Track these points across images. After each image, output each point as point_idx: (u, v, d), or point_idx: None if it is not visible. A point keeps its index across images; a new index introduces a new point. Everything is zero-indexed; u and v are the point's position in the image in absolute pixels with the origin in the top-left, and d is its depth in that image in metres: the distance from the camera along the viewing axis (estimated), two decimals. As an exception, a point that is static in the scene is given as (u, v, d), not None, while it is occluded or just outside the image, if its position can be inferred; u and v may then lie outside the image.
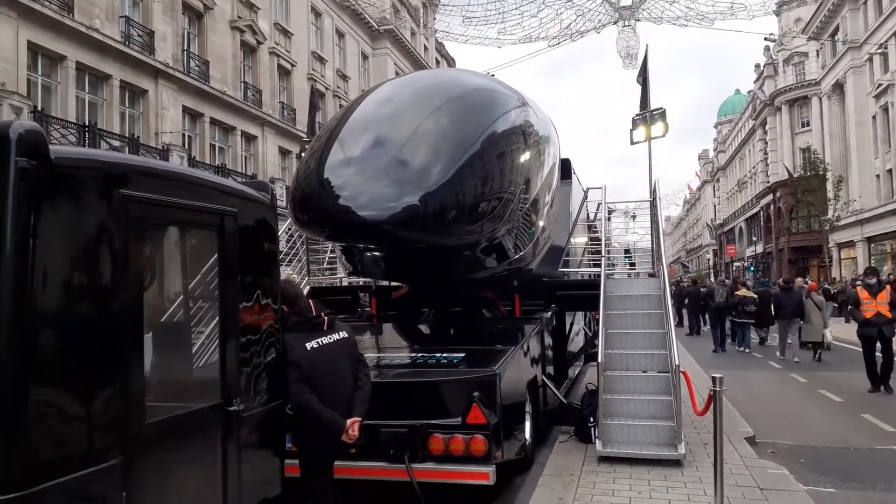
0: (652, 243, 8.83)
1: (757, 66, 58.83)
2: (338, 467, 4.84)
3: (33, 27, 16.68)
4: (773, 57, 53.11)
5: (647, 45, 9.74)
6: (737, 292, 17.36)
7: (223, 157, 25.57)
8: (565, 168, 10.79)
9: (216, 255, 3.04)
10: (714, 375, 4.13)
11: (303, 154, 15.53)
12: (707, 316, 20.23)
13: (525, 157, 6.46)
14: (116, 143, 19.15)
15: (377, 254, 6.15)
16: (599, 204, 9.61)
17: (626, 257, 12.89)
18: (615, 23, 16.44)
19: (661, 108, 9.45)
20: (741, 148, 66.03)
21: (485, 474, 4.64)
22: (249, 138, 26.98)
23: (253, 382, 3.22)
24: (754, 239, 59.30)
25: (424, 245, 5.39)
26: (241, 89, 26.18)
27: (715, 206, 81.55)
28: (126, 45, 19.86)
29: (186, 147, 22.77)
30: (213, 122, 24.63)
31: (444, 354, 5.67)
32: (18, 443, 2.04)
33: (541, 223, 7.61)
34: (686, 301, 22.93)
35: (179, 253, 3.21)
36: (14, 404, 2.03)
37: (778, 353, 14.85)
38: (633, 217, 11.10)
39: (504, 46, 17.00)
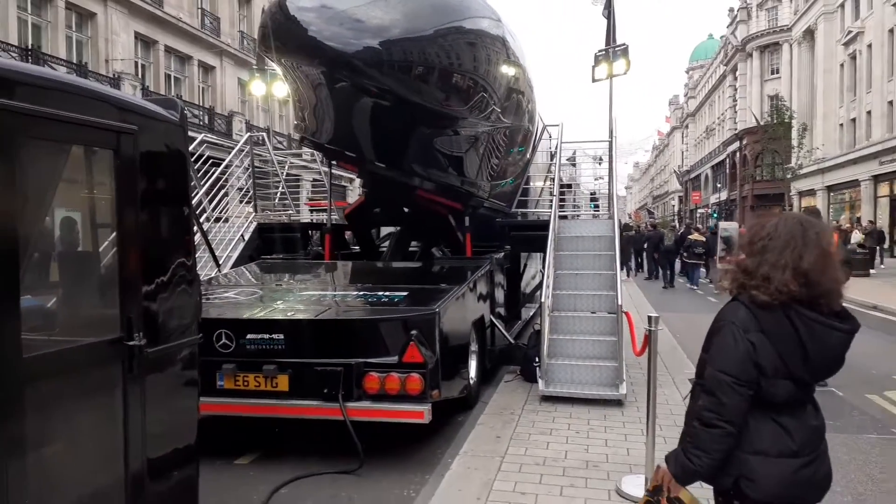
0: (609, 186, 8.72)
1: (731, 10, 58.15)
2: (270, 406, 4.75)
3: (-34, -61, 15.51)
4: (747, 1, 52.50)
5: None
6: (689, 236, 19.46)
7: (179, 88, 24.55)
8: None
9: (112, 178, 2.79)
10: (650, 315, 4.06)
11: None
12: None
13: (497, 65, 6.59)
14: (63, 69, 18.20)
15: (333, 101, 5.96)
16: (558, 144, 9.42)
17: (591, 203, 12.85)
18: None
19: (623, 45, 9.20)
20: (711, 94, 65.91)
21: (419, 413, 4.57)
22: (207, 69, 25.91)
23: (160, 317, 3.02)
24: (718, 186, 59.94)
25: (385, 89, 5.60)
26: (198, 16, 24.96)
27: (683, 153, 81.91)
28: (71, -36, 18.64)
29: (140, 76, 21.78)
30: (168, 50, 23.53)
31: (386, 293, 5.54)
32: None
33: (500, 149, 7.51)
34: (646, 246, 23.23)
35: (61, 173, 2.93)
36: None
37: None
38: (600, 161, 11.01)
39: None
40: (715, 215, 54.57)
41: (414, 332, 4.71)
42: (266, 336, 4.73)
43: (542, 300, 6.27)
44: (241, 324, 4.81)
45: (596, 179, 12.41)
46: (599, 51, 9.41)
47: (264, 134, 14.74)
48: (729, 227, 19.15)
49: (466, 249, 7.76)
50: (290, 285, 6.47)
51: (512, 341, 7.35)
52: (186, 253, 3.26)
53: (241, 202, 8.82)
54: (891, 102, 29.64)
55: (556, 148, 8.30)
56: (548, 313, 6.40)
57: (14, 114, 2.25)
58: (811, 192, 38.62)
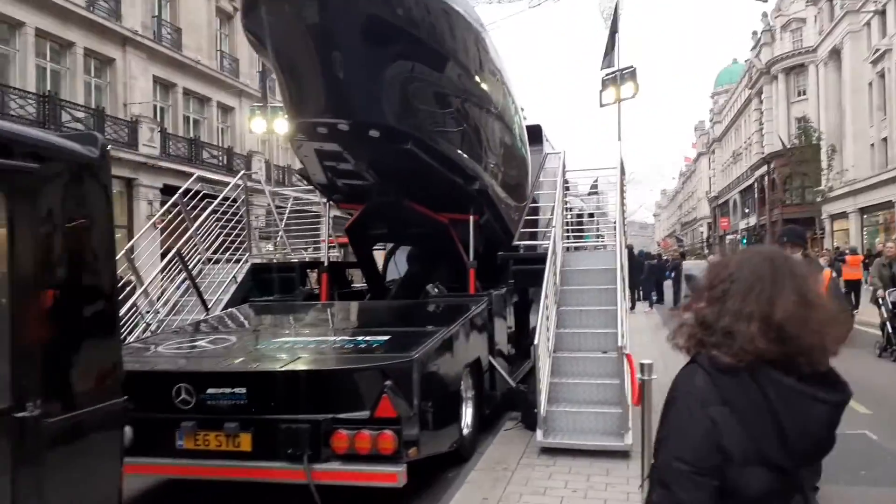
0: (620, 213, 8.27)
1: (754, 33, 57.62)
2: (232, 468, 4.35)
3: (-15, -9, 15.87)
4: (771, 23, 51.98)
5: (616, 1, 9.09)
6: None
7: (198, 129, 24.81)
8: (536, 134, 10.22)
9: (5, 222, 2.47)
10: (643, 362, 3.60)
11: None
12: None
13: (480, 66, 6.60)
14: (81, 115, 18.45)
15: (321, 55, 5.62)
16: (567, 172, 9.03)
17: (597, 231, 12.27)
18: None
19: (631, 67, 8.84)
20: (737, 118, 65.05)
21: (392, 475, 4.12)
22: (226, 109, 26.18)
23: (65, 381, 2.67)
24: (747, 211, 58.74)
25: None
26: (217, 58, 25.31)
27: (710, 179, 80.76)
28: (90, 11, 18.99)
29: (158, 119, 22.02)
30: (187, 92, 23.82)
31: (367, 338, 5.15)
32: None
33: (500, 151, 7.26)
34: (672, 274, 22.53)
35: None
36: None
37: None
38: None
39: (480, 5, 16.19)
40: (744, 241, 53.34)
41: (388, 382, 4.29)
42: (228, 390, 4.35)
43: (535, 341, 5.79)
44: (202, 377, 4.45)
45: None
46: (607, 74, 9.06)
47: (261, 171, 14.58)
48: (693, 267, 16.64)
49: (470, 285, 7.36)
50: (268, 331, 6.12)
51: (513, 384, 6.87)
52: (104, 306, 2.92)
53: (235, 241, 8.56)
54: (923, 120, 28.69)
55: (559, 176, 7.88)
56: (547, 355, 5.93)
57: None
58: (843, 215, 37.42)
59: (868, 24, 34.24)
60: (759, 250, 1.65)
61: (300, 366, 4.61)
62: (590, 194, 11.96)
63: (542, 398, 5.74)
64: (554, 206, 7.61)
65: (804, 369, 1.47)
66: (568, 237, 10.12)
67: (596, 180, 11.34)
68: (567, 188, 10.66)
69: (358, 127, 5.88)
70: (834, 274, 10.58)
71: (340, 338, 5.42)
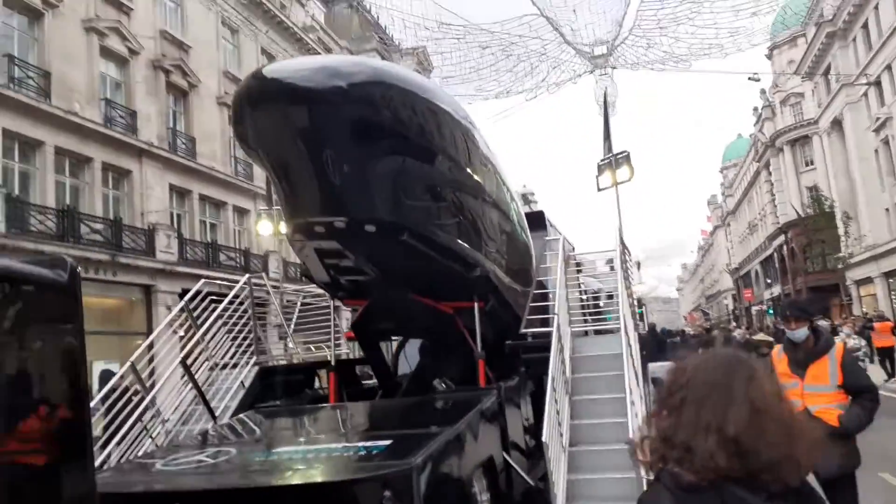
0: (622, 295, 8.10)
1: (755, 109, 58.81)
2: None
3: (9, 114, 16.64)
4: (770, 99, 53.11)
5: (605, 89, 9.30)
6: (754, 337, 18.89)
7: (215, 233, 25.31)
8: (539, 220, 10.24)
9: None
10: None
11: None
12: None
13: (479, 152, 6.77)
14: (99, 226, 18.93)
15: (313, 159, 5.69)
16: (569, 258, 8.95)
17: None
18: (591, 72, 16.21)
19: (625, 152, 8.89)
20: (748, 191, 65.41)
21: None
22: (241, 212, 26.77)
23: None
24: (769, 281, 57.98)
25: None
26: (231, 164, 26.14)
27: (728, 251, 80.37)
28: (108, 127, 19.85)
29: (175, 225, 22.54)
30: (203, 198, 24.48)
31: (367, 443, 4.92)
32: None
33: (490, 243, 7.19)
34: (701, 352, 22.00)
35: None
36: None
37: None
38: (637, 266, 10.45)
39: (475, 102, 16.84)
40: (770, 311, 52.34)
41: (387, 493, 4.03)
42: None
43: (544, 437, 5.50)
44: (194, 496, 4.24)
45: (637, 285, 11.77)
46: (602, 160, 9.13)
47: (279, 270, 14.68)
48: (657, 369, 13.11)
49: (480, 377, 7.14)
50: (268, 440, 5.91)
51: (531, 483, 6.51)
52: (73, 428, 2.79)
53: (242, 345, 8.47)
54: (935, 182, 28.56)
55: (559, 262, 7.79)
56: (561, 450, 5.64)
57: None
58: (868, 280, 36.73)
59: (865, 94, 34.83)
60: (717, 353, 1.52)
61: (295, 479, 4.37)
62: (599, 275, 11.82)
63: (560, 498, 5.40)
64: (583, 289, 7.48)
65: (772, 487, 1.31)
66: (586, 320, 9.93)
67: (610, 260, 11.24)
68: (579, 270, 10.56)
69: (353, 223, 5.91)
70: (854, 342, 10.21)
71: (340, 444, 5.18)
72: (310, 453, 5.09)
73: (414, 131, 5.94)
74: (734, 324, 52.70)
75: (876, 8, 32.50)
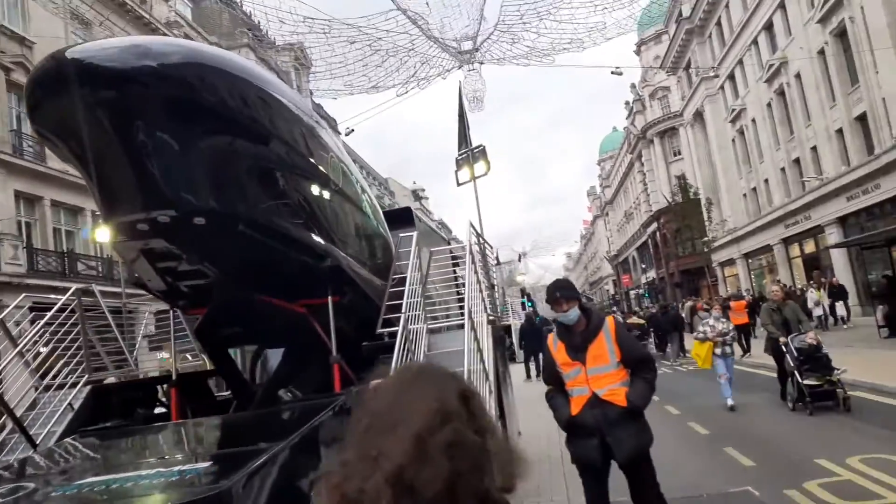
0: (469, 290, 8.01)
1: (626, 103, 61.80)
2: None
3: None
4: (640, 93, 55.95)
5: (460, 83, 9.23)
6: (629, 321, 20.49)
7: (72, 241, 23.39)
8: (406, 216, 10.02)
9: None
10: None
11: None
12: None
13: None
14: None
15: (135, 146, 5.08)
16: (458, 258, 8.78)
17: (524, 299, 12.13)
18: (460, 67, 16.24)
19: (480, 146, 8.86)
20: (624, 181, 68.75)
21: None
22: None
23: None
24: (644, 266, 61.23)
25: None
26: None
27: (608, 239, 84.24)
28: (-66, 129, 17.82)
29: (24, 235, 20.61)
30: (56, 204, 22.55)
31: (186, 466, 4.49)
32: None
33: (340, 235, 6.85)
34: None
35: None
36: None
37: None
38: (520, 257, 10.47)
39: (354, 94, 16.42)
40: (647, 295, 55.30)
41: (195, 523, 3.65)
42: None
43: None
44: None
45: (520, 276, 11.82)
46: (459, 155, 9.04)
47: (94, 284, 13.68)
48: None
49: (335, 382, 6.81)
50: (80, 470, 5.30)
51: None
52: None
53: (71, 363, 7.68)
54: (783, 169, 31.03)
55: (412, 258, 7.59)
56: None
57: None
58: (731, 262, 39.52)
59: (722, 87, 37.36)
60: (406, 367, 1.29)
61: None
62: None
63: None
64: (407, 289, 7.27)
65: None
66: (448, 316, 9.81)
67: (496, 250, 11.23)
68: (456, 264, 10.43)
69: (180, 217, 5.41)
70: (723, 326, 10.65)
71: (156, 470, 4.70)
72: (119, 482, 4.59)
73: (237, 114, 5.51)
74: (615, 308, 55.23)
75: (727, 6, 34.88)
